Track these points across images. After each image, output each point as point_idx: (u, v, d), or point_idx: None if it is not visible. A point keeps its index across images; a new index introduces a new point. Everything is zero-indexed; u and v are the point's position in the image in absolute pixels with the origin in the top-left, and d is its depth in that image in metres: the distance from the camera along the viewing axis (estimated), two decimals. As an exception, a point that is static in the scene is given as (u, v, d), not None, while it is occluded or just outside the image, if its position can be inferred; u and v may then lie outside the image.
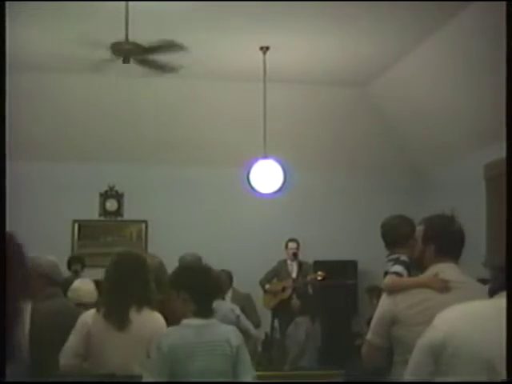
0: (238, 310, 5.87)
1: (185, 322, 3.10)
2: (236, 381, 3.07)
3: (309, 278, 8.27)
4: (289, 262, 8.63)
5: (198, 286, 3.10)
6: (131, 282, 3.51)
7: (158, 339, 3.06)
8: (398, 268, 3.54)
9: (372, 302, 6.89)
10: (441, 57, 7.13)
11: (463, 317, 2.22)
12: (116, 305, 3.46)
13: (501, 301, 2.12)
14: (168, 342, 3.00)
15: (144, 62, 6.27)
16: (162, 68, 6.43)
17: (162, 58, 6.23)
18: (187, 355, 2.98)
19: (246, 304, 6.66)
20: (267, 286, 8.53)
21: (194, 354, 2.99)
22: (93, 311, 3.54)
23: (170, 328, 3.20)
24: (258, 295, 8.23)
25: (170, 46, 6.07)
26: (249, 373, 3.13)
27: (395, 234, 3.79)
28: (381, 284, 3.46)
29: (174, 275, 3.26)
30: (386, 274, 3.57)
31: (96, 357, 3.45)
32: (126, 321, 3.42)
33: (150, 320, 3.47)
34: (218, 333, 3.11)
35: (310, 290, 8.41)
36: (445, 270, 3.08)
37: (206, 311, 3.11)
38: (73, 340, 3.47)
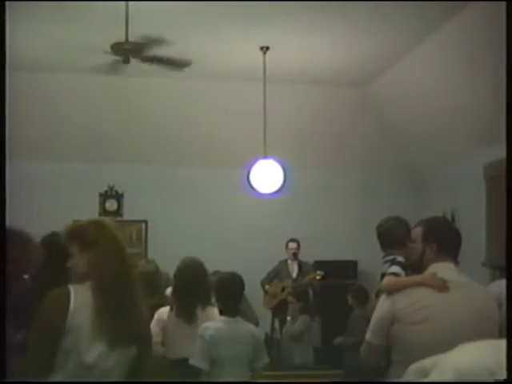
0: None
1: (219, 318, 4.02)
2: (252, 364, 3.98)
3: (307, 278, 8.27)
4: (289, 262, 8.64)
5: (228, 294, 4.05)
6: (196, 285, 4.35)
7: (201, 331, 3.92)
8: (396, 269, 3.55)
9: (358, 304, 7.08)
10: (441, 57, 7.13)
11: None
12: (186, 304, 4.32)
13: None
14: (209, 332, 3.89)
15: (152, 60, 6.27)
16: (171, 64, 6.42)
17: (170, 54, 6.23)
18: (222, 342, 3.88)
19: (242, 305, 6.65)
20: (267, 287, 8.53)
21: (227, 342, 3.89)
22: (167, 309, 4.39)
23: (208, 323, 4.02)
24: (258, 295, 8.24)
25: (153, 42, 6.07)
26: (263, 359, 4.06)
27: (391, 236, 3.80)
28: (379, 285, 3.47)
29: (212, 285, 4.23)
30: (382, 275, 3.58)
31: (171, 345, 4.32)
32: (193, 316, 4.28)
33: (212, 315, 4.24)
34: (244, 327, 4.06)
35: (310, 291, 8.42)
36: (443, 269, 3.09)
37: (233, 312, 4.03)
38: (152, 330, 4.12)
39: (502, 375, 2.06)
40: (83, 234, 2.71)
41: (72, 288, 2.57)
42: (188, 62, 6.41)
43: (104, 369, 2.53)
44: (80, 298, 2.53)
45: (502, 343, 2.25)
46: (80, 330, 2.49)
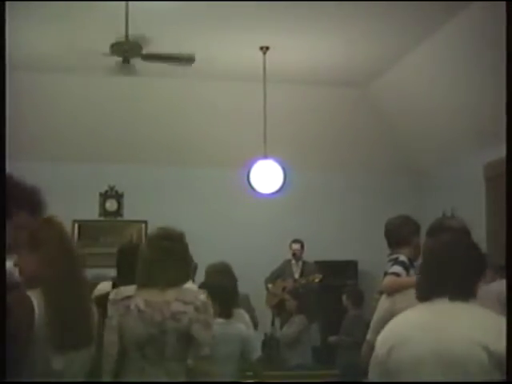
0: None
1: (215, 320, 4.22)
2: (244, 359, 4.32)
3: (305, 280, 8.29)
4: (293, 262, 8.65)
5: (229, 297, 4.42)
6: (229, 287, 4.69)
7: None
8: (397, 268, 3.55)
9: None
10: (440, 57, 7.13)
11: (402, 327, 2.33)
12: (225, 304, 4.50)
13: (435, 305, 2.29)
14: None
15: (153, 58, 6.26)
16: (174, 61, 6.42)
17: (173, 50, 6.24)
18: (216, 342, 3.92)
19: (243, 305, 6.66)
20: (269, 285, 8.56)
21: (220, 341, 3.97)
22: None
23: None
24: (259, 295, 8.23)
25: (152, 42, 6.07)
26: (253, 353, 4.45)
27: (396, 234, 3.80)
28: (380, 285, 3.48)
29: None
30: (385, 274, 3.59)
31: None
32: (231, 315, 4.51)
33: (241, 313, 4.77)
34: (234, 328, 4.37)
35: (309, 291, 8.42)
36: None
37: (229, 313, 4.40)
38: None
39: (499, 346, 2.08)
40: (32, 233, 2.62)
41: (30, 293, 2.49)
42: (191, 57, 6.40)
43: (72, 372, 2.49)
44: (38, 303, 2.47)
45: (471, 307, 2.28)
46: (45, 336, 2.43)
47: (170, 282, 3.29)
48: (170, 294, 3.26)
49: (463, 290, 2.32)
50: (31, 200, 2.63)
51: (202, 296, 3.31)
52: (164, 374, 3.24)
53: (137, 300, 3.34)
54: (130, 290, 3.41)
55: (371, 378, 2.38)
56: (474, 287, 2.36)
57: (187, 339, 3.27)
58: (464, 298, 2.30)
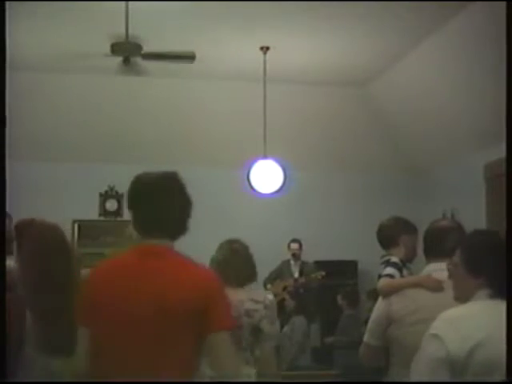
0: None
1: None
2: None
3: (308, 277, 8.28)
4: (292, 262, 8.65)
5: None
6: None
7: None
8: (390, 270, 3.58)
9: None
10: (441, 57, 7.13)
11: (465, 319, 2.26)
12: None
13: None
14: None
15: (153, 57, 6.27)
16: (176, 58, 6.42)
17: (173, 49, 6.24)
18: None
19: None
20: (269, 286, 8.56)
21: None
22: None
23: None
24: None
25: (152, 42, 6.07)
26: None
27: (385, 235, 3.82)
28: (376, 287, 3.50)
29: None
30: (379, 277, 3.61)
31: None
32: None
33: None
34: None
35: (312, 291, 8.42)
36: (438, 269, 3.10)
37: None
38: None
39: None
40: (19, 233, 2.57)
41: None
42: (192, 55, 6.39)
43: (68, 375, 2.47)
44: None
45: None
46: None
47: (239, 282, 3.75)
48: (242, 293, 3.70)
49: None
50: None
51: (270, 296, 3.82)
52: (244, 363, 3.57)
53: None
54: None
55: (422, 376, 2.27)
56: None
57: (258, 332, 3.65)
58: None
